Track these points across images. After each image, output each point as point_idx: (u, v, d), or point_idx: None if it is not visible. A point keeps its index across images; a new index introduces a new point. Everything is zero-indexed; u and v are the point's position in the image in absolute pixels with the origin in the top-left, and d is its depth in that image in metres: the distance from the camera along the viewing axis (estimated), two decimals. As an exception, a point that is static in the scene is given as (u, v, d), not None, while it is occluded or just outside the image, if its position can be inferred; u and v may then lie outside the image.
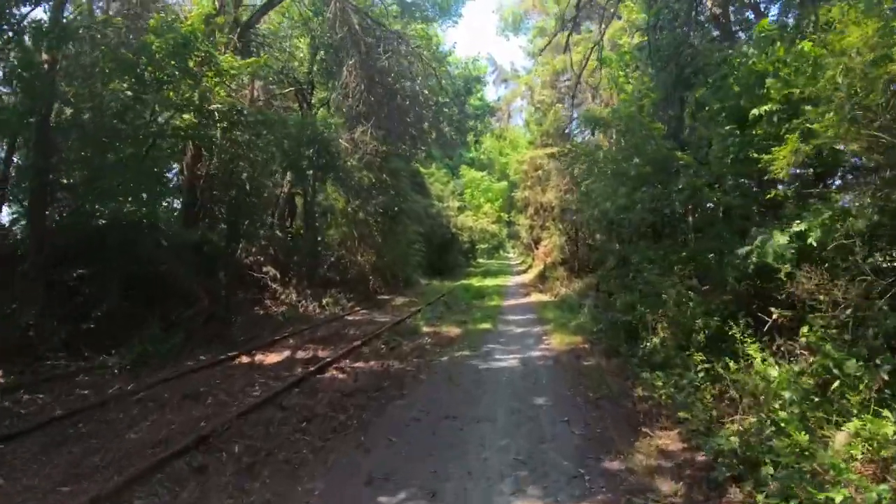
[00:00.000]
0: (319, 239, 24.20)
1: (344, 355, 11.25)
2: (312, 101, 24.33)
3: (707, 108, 8.95)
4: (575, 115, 22.83)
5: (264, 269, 18.49)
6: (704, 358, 6.87)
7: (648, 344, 9.20)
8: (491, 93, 47.44)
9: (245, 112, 14.29)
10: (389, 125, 19.70)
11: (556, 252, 33.15)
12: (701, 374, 6.77)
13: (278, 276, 18.65)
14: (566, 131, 22.17)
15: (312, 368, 10.01)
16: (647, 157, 9.08)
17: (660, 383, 7.30)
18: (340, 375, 9.69)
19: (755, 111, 7.92)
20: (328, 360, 10.66)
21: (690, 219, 12.99)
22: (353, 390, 8.73)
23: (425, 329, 14.73)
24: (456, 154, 43.39)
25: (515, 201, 28.89)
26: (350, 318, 17.52)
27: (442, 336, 13.70)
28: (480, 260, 70.43)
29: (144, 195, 14.87)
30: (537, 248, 39.99)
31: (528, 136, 29.02)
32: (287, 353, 11.87)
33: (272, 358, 11.38)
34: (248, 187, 18.84)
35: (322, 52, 23.52)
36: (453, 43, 66.85)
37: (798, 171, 10.85)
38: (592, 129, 10.73)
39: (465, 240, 44.98)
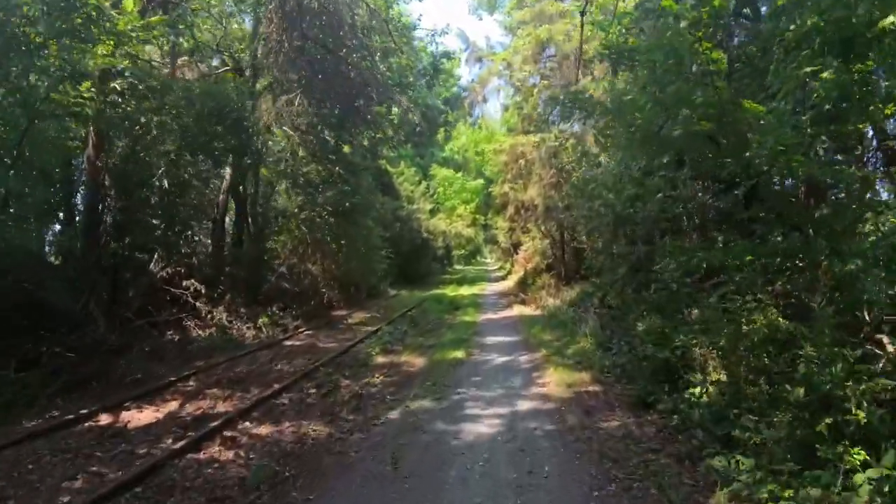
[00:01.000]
0: (267, 246, 20.66)
1: (249, 410, 7.77)
2: (256, 88, 20.78)
3: (792, 28, 5.72)
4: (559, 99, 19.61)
5: (185, 284, 14.87)
6: (864, 457, 3.60)
7: (702, 393, 5.95)
8: (464, 75, 43.92)
9: (127, 74, 10.80)
10: (338, 104, 16.33)
11: (538, 257, 30.06)
12: (865, 488, 3.48)
13: (203, 291, 15.03)
14: (550, 118, 18.90)
15: (190, 438, 6.54)
16: (699, 106, 5.79)
17: (764, 494, 4.00)
18: (225, 454, 6.20)
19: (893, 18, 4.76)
20: (222, 420, 7.18)
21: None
22: (231, 488, 5.29)
23: (379, 360, 11.30)
24: (427, 153, 40.10)
25: (493, 198, 25.52)
26: (289, 343, 14.00)
27: (398, 371, 10.27)
28: (457, 266, 67.13)
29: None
30: (517, 254, 36.75)
31: (508, 123, 25.62)
32: (174, 405, 8.35)
33: (146, 416, 7.84)
34: (165, 183, 15.45)
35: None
36: (419, 15, 63.26)
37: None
38: (614, 67, 7.65)
39: (440, 245, 41.58)
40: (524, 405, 7.54)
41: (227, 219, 19.86)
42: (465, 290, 31.25)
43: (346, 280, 22.91)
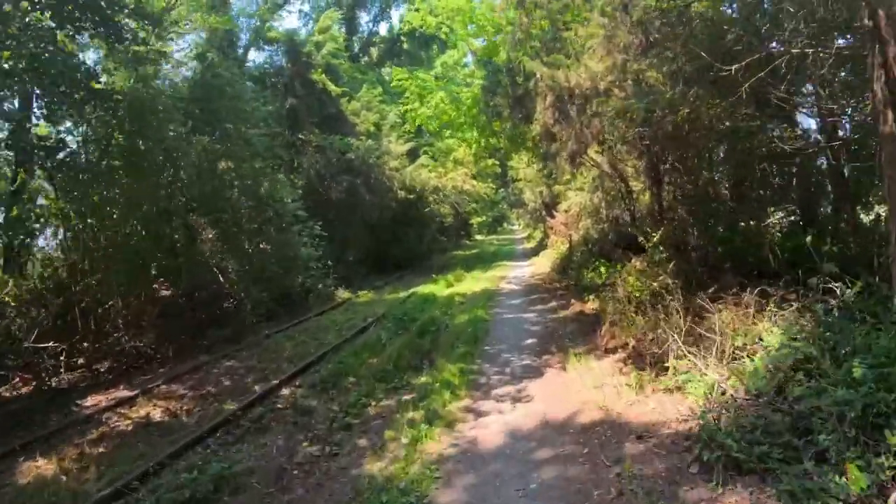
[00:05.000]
0: None
1: None
2: None
3: None
4: None
5: None
6: None
7: None
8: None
9: None
10: None
11: (587, 220, 17.54)
12: None
13: None
14: None
15: None
16: None
17: None
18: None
19: None
20: None
21: None
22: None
23: None
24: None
25: (500, 94, 12.26)
26: None
27: None
28: (478, 237, 54.21)
29: None
30: (551, 216, 23.39)
31: None
32: None
33: None
34: None
35: None
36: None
37: None
38: None
39: (446, 211, 28.48)
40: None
41: None
42: (471, 283, 18.40)
43: (178, 302, 10.54)
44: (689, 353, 5.94)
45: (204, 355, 10.13)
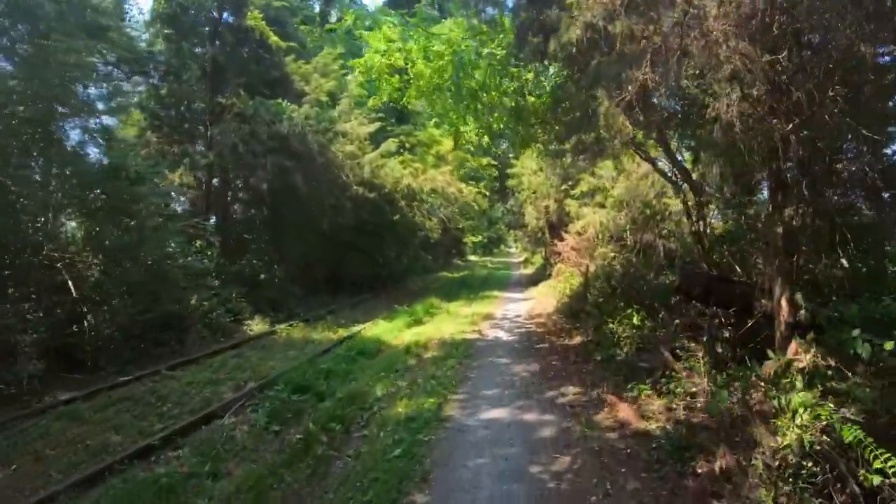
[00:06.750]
0: None
1: None
2: None
3: None
4: None
5: None
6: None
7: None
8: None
9: None
10: None
11: (606, 249, 12.87)
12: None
13: None
14: None
15: None
16: None
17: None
18: None
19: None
20: None
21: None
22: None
23: None
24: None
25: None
26: None
27: None
28: (473, 257, 49.01)
29: None
30: (560, 239, 17.92)
31: None
32: None
33: None
34: None
35: None
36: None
37: None
38: None
39: (427, 223, 22.91)
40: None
41: None
42: (444, 322, 12.99)
43: None
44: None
45: None
